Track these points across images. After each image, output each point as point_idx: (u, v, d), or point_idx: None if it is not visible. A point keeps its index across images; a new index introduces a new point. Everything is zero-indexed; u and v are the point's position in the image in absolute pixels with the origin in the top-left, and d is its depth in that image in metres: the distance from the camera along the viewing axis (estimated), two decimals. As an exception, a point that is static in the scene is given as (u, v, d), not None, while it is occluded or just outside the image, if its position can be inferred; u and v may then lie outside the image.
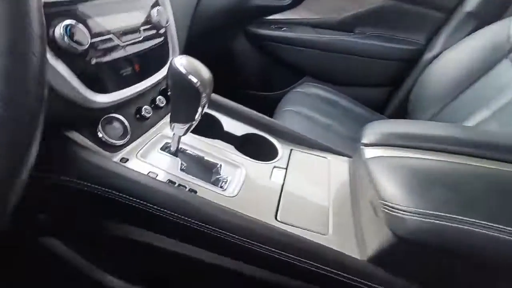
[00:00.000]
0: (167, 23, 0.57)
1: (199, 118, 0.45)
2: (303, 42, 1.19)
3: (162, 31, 0.58)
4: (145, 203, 0.41)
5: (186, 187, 0.46)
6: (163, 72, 0.57)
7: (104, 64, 0.45)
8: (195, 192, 0.46)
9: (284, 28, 1.21)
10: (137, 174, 0.44)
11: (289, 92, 1.12)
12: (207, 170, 0.53)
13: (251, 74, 1.30)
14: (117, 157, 0.47)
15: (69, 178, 0.42)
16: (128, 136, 0.49)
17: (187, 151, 0.54)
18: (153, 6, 0.55)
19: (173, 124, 0.46)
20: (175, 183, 0.46)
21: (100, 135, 0.45)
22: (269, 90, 1.31)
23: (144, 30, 0.53)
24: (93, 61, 0.43)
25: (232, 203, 0.46)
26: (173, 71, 0.40)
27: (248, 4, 1.15)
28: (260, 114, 0.67)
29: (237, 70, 1.29)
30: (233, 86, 1.24)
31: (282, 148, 0.63)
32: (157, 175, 0.46)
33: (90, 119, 0.45)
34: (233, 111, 0.66)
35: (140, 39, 0.52)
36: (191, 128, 0.47)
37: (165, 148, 0.52)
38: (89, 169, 0.42)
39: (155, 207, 0.41)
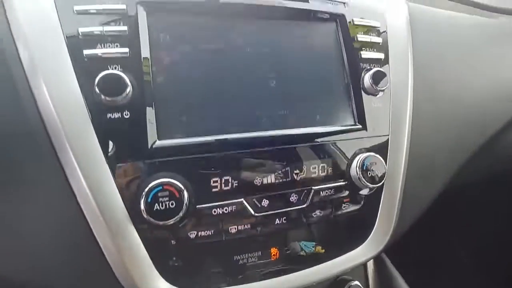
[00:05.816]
0: (381, 182, 0.31)
1: None
2: None
3: (364, 192, 0.32)
4: None
5: None
6: (332, 266, 0.32)
7: (208, 244, 0.26)
8: None
9: None
10: None
11: None
12: None
13: None
14: None
15: None
16: None
17: None
18: (359, 153, 0.31)
19: None
20: None
21: None
22: None
23: (323, 190, 0.30)
24: (191, 237, 0.25)
25: None
26: None
27: None
28: None
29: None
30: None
31: None
32: None
33: None
34: None
35: (302, 205, 0.29)
36: None
37: None
38: None
39: None
